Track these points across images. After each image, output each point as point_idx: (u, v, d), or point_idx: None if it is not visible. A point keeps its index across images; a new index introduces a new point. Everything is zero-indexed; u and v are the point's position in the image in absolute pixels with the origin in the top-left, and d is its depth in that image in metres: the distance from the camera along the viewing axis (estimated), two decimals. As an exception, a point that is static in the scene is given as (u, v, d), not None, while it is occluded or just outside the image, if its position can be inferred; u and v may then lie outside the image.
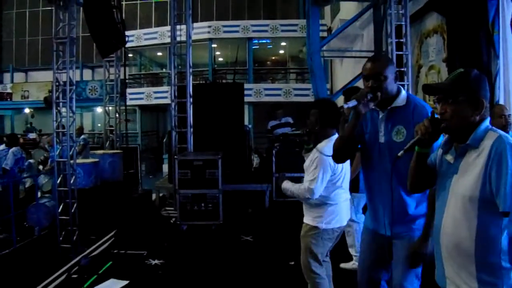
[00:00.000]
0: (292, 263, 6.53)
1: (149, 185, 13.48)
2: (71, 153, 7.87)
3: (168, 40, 11.81)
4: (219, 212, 8.80)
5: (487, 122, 2.41)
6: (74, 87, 7.96)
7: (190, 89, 10.33)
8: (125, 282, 6.06)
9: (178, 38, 10.60)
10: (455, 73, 2.48)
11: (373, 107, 3.22)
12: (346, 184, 4.30)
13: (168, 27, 13.35)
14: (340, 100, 8.14)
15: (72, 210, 7.75)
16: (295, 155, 6.94)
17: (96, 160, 10.03)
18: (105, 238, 8.21)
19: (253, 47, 24.51)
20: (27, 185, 10.61)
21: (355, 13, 11.71)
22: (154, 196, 11.72)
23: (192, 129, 10.33)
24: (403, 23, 8.52)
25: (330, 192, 4.13)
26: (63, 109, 7.91)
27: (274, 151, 9.97)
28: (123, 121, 13.38)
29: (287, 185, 4.27)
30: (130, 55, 25.72)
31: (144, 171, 17.18)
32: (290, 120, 10.92)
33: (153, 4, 27.73)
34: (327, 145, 4.01)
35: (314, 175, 4.02)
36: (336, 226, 4.20)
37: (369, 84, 3.15)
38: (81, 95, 25.11)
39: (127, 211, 9.61)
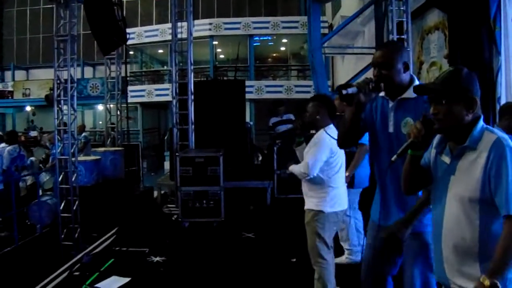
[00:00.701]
0: (294, 260, 6.53)
1: (150, 182, 13.48)
2: (72, 150, 7.88)
3: (169, 37, 11.83)
4: (220, 209, 8.79)
5: (481, 121, 2.39)
6: (75, 84, 7.96)
7: (191, 86, 10.32)
8: (127, 279, 6.06)
9: (179, 35, 10.58)
10: (445, 72, 2.46)
11: (384, 96, 3.21)
12: (343, 171, 4.46)
13: (169, 24, 13.37)
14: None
15: (74, 208, 7.76)
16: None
17: (98, 157, 10.04)
18: (106, 236, 8.21)
19: (254, 44, 24.51)
20: (28, 183, 10.61)
21: (356, 10, 11.70)
22: (155, 193, 11.72)
23: (193, 126, 10.32)
24: (404, 19, 8.51)
25: (331, 175, 4.29)
26: (64, 107, 7.91)
27: (275, 148, 9.96)
28: (125, 118, 13.38)
29: (292, 167, 4.46)
30: (131, 52, 25.69)
31: (146, 169, 17.20)
32: (291, 117, 10.90)
33: (154, 1, 27.66)
34: (330, 127, 4.31)
35: (312, 152, 4.23)
36: (338, 209, 4.36)
37: (375, 72, 3.12)
38: (82, 93, 25.08)
39: (128, 209, 9.62)
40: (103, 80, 14.26)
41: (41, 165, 11.93)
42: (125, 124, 13.51)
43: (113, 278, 6.15)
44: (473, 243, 2.32)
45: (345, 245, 6.21)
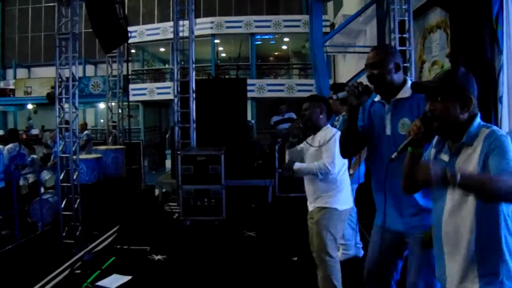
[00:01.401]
0: (295, 258, 6.53)
1: (152, 180, 13.48)
2: (74, 148, 7.88)
3: (171, 35, 11.80)
4: (222, 207, 8.80)
5: (478, 119, 2.44)
6: (76, 83, 7.96)
7: (193, 85, 10.33)
8: (128, 278, 6.07)
9: (180, 34, 10.59)
10: (442, 71, 2.51)
11: (379, 100, 3.23)
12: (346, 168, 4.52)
13: (171, 23, 13.34)
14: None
15: (75, 206, 7.76)
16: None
17: (99, 155, 10.04)
18: (108, 234, 8.22)
19: (256, 43, 24.51)
20: (30, 180, 10.61)
21: (358, 9, 11.69)
22: (157, 191, 11.73)
23: (195, 125, 10.33)
24: (406, 18, 8.49)
25: (343, 173, 4.37)
26: (66, 105, 7.91)
27: (277, 147, 9.97)
28: (126, 116, 13.38)
29: (301, 165, 4.40)
30: (133, 50, 25.74)
31: (147, 167, 17.21)
32: (293, 115, 10.90)
33: (156, -1, 27.72)
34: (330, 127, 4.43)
35: (330, 149, 4.22)
36: (348, 207, 4.43)
37: (367, 73, 3.17)
38: (84, 91, 25.11)
39: (130, 207, 9.63)
40: (105, 78, 14.27)
41: (41, 162, 11.92)
42: (127, 122, 13.52)
43: (114, 276, 6.15)
44: (470, 237, 2.34)
45: (340, 241, 6.20)
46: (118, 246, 7.63)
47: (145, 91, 24.58)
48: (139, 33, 24.39)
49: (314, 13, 10.92)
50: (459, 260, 2.39)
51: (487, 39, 5.75)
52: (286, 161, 4.64)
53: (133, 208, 9.73)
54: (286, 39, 26.10)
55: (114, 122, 13.26)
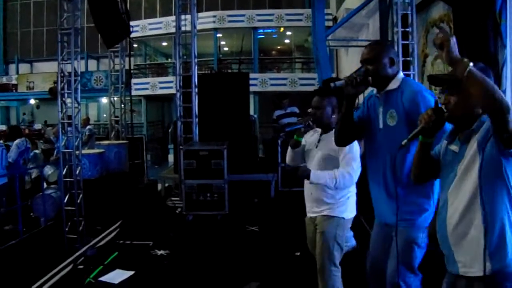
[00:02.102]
0: (298, 253, 6.53)
1: (154, 175, 13.49)
2: (76, 143, 7.87)
3: (173, 30, 11.78)
4: (224, 202, 8.80)
5: None
6: (79, 77, 7.94)
7: (195, 79, 10.32)
8: (131, 273, 6.07)
9: (183, 28, 10.57)
10: None
11: (376, 94, 3.30)
12: None
13: (173, 17, 13.31)
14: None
15: (78, 201, 7.75)
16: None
17: (102, 150, 10.05)
18: (111, 229, 8.24)
19: (258, 37, 24.49)
20: (33, 176, 10.62)
21: (361, 2, 11.66)
22: (159, 186, 11.74)
23: (197, 119, 10.32)
24: (409, 12, 8.45)
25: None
26: (68, 100, 7.89)
27: (279, 141, 9.96)
28: (128, 111, 13.39)
29: (320, 175, 3.89)
30: (135, 45, 25.74)
31: (150, 161, 17.21)
32: (295, 109, 10.89)
33: (158, -6, 27.69)
34: None
35: (352, 158, 3.91)
36: (355, 214, 4.23)
37: (363, 69, 3.22)
38: (86, 86, 25.16)
39: (132, 202, 9.64)
40: (107, 73, 14.28)
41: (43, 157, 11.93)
42: (129, 117, 13.53)
43: (117, 271, 6.16)
44: (479, 223, 2.36)
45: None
46: (121, 241, 7.64)
47: (147, 86, 24.60)
48: (141, 27, 24.38)
49: (317, 6, 10.91)
50: (467, 247, 2.41)
51: (490, 33, 5.72)
52: (288, 159, 4.46)
53: (136, 203, 9.75)
54: (288, 33, 26.07)
55: (116, 117, 13.27)
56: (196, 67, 10.49)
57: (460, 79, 2.36)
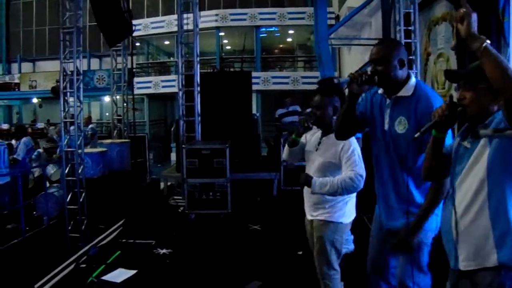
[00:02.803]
0: (300, 252, 6.52)
1: (157, 173, 13.50)
2: (79, 142, 7.88)
3: (176, 28, 11.78)
4: (227, 201, 8.80)
5: None
6: (81, 76, 7.95)
7: (198, 78, 10.32)
8: (133, 272, 6.07)
9: (185, 27, 10.57)
10: (478, 61, 2.47)
11: (383, 93, 3.22)
12: None
13: (175, 16, 13.34)
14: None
15: (81, 200, 7.77)
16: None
17: (104, 149, 10.06)
18: (113, 228, 8.24)
19: (261, 35, 24.45)
20: (36, 174, 10.65)
21: (363, 1, 11.65)
22: (162, 185, 11.74)
23: (199, 118, 10.32)
24: (411, 10, 8.45)
25: None
26: (71, 99, 7.91)
27: (282, 140, 9.95)
28: (131, 110, 13.40)
29: (323, 181, 3.71)
30: (138, 44, 25.75)
31: (152, 160, 17.22)
32: (298, 108, 10.87)
33: (160, -8, 27.68)
34: None
35: (355, 161, 3.72)
36: (353, 217, 4.11)
37: (371, 68, 3.13)
38: (88, 85, 25.17)
39: (135, 201, 9.65)
40: (110, 71, 14.28)
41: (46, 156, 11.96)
42: (132, 115, 13.53)
43: (120, 270, 6.16)
44: (485, 219, 2.36)
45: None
46: (124, 240, 7.64)
47: (150, 84, 24.61)
48: (143, 26, 24.37)
49: (319, 5, 10.89)
50: (474, 243, 2.40)
51: (493, 31, 5.71)
52: (284, 154, 4.37)
53: (138, 202, 9.76)
54: (291, 32, 26.02)
55: (119, 115, 13.28)
56: (199, 66, 10.48)
57: (473, 75, 2.36)
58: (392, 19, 9.46)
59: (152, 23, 24.91)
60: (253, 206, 9.70)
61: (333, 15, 20.17)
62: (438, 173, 2.77)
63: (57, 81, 11.22)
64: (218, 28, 23.70)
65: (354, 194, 4.06)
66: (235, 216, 8.78)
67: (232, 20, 23.49)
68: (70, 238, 7.58)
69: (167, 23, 24.01)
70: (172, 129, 16.03)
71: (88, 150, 9.63)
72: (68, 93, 7.85)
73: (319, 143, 4.03)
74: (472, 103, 2.42)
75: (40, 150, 11.42)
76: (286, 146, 4.30)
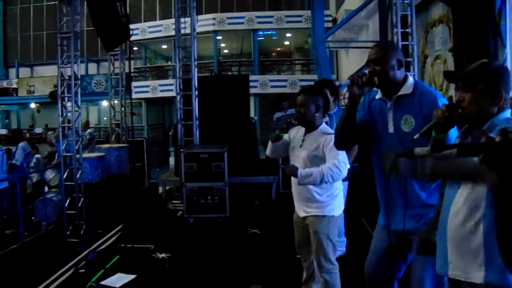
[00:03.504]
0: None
1: (155, 177, 13.48)
2: (77, 147, 7.88)
3: (173, 32, 11.78)
4: (225, 205, 8.79)
5: (507, 113, 2.42)
6: (79, 81, 7.96)
7: (195, 82, 10.32)
8: (132, 276, 6.07)
9: (182, 31, 10.59)
10: (477, 62, 2.48)
11: (381, 98, 3.21)
12: None
13: (173, 20, 13.32)
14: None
15: (79, 205, 7.77)
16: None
17: (102, 154, 10.06)
18: (112, 232, 8.23)
19: (258, 39, 24.49)
20: (34, 180, 10.64)
21: (360, 3, 11.67)
22: (160, 189, 11.74)
23: (197, 122, 10.33)
24: (408, 13, 8.45)
25: None
26: (69, 104, 7.91)
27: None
28: (129, 114, 13.40)
29: (307, 172, 3.89)
30: (135, 48, 25.77)
31: (150, 164, 17.21)
32: (295, 111, 10.86)
33: (157, -4, 27.72)
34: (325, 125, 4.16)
35: (336, 152, 3.84)
36: (342, 209, 4.30)
37: (370, 69, 3.13)
38: (86, 89, 25.19)
39: (133, 205, 9.64)
40: (107, 76, 14.30)
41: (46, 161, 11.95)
42: (130, 120, 13.53)
43: (119, 275, 6.15)
44: (478, 228, 2.34)
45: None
46: (122, 245, 7.63)
47: (147, 89, 24.60)
48: (141, 30, 24.37)
49: (316, 8, 10.90)
50: (464, 248, 2.38)
51: (490, 33, 5.72)
52: (268, 151, 4.46)
53: (137, 206, 9.75)
54: (288, 35, 26.07)
55: (117, 120, 13.27)
56: (196, 70, 10.50)
57: (471, 77, 2.38)
58: (389, 21, 9.47)
59: (149, 27, 24.92)
60: (251, 209, 9.70)
61: (330, 18, 20.21)
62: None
63: (55, 86, 11.22)
64: (215, 32, 23.72)
65: (341, 188, 4.26)
66: (234, 220, 8.77)
67: (229, 23, 23.52)
68: (69, 243, 7.57)
69: (164, 27, 24.01)
70: (170, 133, 16.02)
71: (86, 155, 9.62)
72: (66, 98, 7.86)
73: (303, 140, 4.18)
74: (471, 104, 2.41)
75: (39, 156, 11.41)
76: (270, 141, 4.40)
